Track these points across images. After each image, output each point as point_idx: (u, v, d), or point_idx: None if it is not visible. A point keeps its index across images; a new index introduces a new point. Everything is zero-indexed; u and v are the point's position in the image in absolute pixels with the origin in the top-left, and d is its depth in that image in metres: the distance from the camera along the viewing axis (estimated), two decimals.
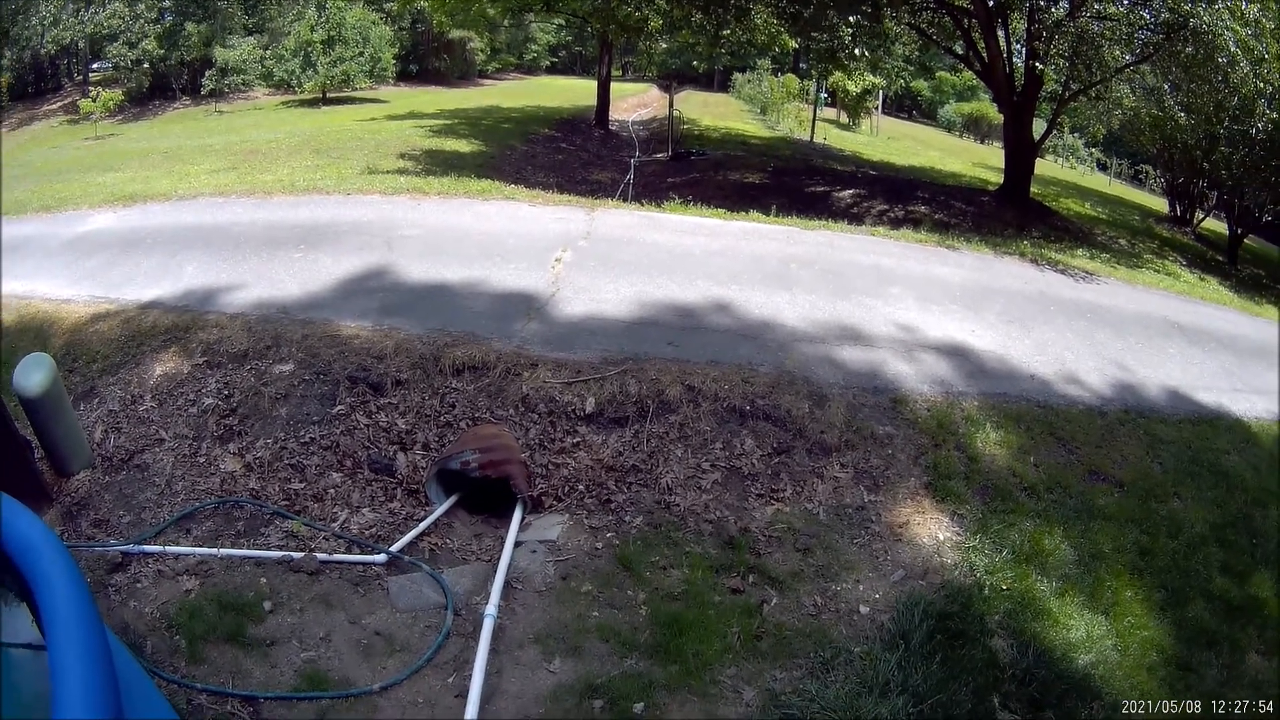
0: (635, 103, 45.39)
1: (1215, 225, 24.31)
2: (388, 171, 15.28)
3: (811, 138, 31.71)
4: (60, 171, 18.27)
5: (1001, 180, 20.21)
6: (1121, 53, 16.34)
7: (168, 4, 38.75)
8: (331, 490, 6.46)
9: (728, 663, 5.01)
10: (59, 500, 6.19)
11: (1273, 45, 13.97)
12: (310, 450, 6.73)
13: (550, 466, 6.72)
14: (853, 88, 36.16)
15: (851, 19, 16.54)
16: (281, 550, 5.63)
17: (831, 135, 33.94)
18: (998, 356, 8.66)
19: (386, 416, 7.03)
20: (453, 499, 6.46)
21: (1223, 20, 13.31)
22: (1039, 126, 19.76)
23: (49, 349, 7.41)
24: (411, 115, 29.13)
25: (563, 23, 39.64)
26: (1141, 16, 15.84)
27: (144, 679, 2.91)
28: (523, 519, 6.24)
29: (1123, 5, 15.76)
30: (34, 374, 5.83)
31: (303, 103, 37.58)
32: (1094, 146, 37.05)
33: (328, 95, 38.04)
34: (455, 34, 46.89)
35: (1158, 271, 15.46)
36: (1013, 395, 7.92)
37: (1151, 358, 9.60)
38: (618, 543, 6.00)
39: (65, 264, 9.59)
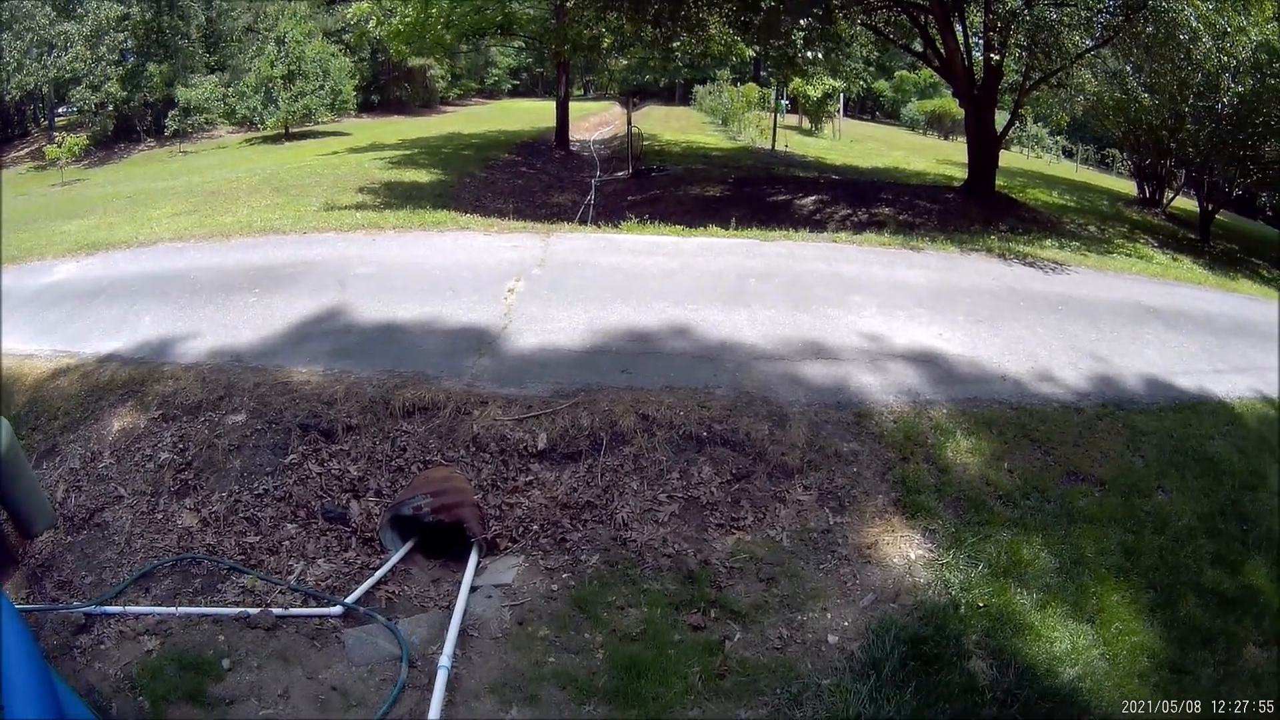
0: (597, 121, 45.51)
1: (1186, 204, 24.37)
2: (345, 207, 15.10)
3: (773, 146, 31.64)
4: (26, 220, 18.09)
5: (966, 176, 20.12)
6: (1081, 38, 16.30)
7: (129, 45, 38.66)
8: (286, 542, 6.36)
9: (689, 704, 4.88)
10: (24, 562, 6.19)
11: (1235, 18, 13.96)
12: (264, 502, 6.62)
13: (504, 507, 6.54)
14: (813, 93, 36.30)
15: (803, 22, 16.38)
16: (238, 607, 5.60)
17: (794, 142, 33.92)
18: (967, 359, 8.50)
19: (338, 464, 6.88)
20: (407, 546, 6.35)
21: None
22: (1002, 119, 19.67)
23: (13, 406, 7.50)
24: (373, 147, 29.08)
25: (522, 45, 39.62)
26: (1100, 0, 15.80)
27: None
28: (478, 563, 6.14)
29: None
30: None
31: (266, 139, 37.47)
32: (1059, 135, 37.28)
33: (290, 130, 37.94)
34: (415, 62, 46.74)
35: (1129, 255, 15.44)
36: (984, 399, 7.75)
37: (1127, 346, 9.50)
38: (574, 583, 5.86)
39: (29, 317, 9.47)
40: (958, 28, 17.26)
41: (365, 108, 48.15)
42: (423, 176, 21.13)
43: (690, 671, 5.05)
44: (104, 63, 36.65)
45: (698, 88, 51.60)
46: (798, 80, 30.21)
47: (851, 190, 20.34)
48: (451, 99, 62.02)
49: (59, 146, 32.55)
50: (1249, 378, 9.20)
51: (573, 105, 33.13)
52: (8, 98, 39.08)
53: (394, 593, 5.92)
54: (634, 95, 44.51)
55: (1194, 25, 13.50)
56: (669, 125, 41.95)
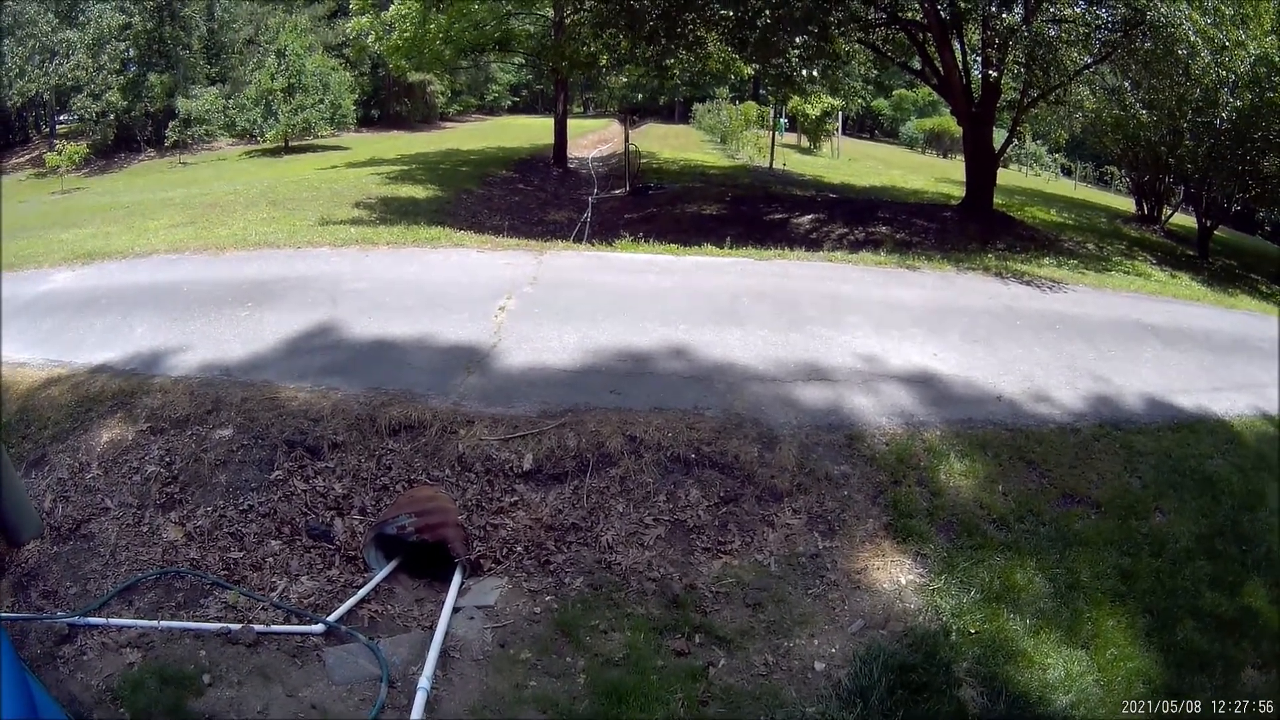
0: (596, 139, 45.63)
1: (1184, 220, 24.42)
2: (341, 222, 15.12)
3: (771, 164, 31.77)
4: (25, 227, 18.25)
5: (964, 194, 20.10)
6: (1080, 54, 16.32)
7: (131, 55, 38.87)
8: (270, 558, 6.34)
9: None
10: (10, 571, 6.20)
11: (1233, 32, 13.96)
12: (249, 518, 6.60)
13: (488, 528, 6.47)
14: (811, 111, 36.33)
15: (799, 40, 16.38)
16: (220, 622, 5.59)
17: (792, 160, 34.07)
18: (962, 380, 8.42)
19: (324, 481, 6.83)
20: (391, 565, 6.32)
21: (1181, 11, 13.29)
22: (1000, 137, 19.68)
23: (2, 415, 7.48)
24: (371, 162, 29.24)
25: (522, 62, 39.78)
26: (1099, 16, 15.82)
27: None
28: (462, 583, 6.11)
29: (1079, 6, 15.72)
30: None
31: (265, 152, 37.68)
32: (1057, 152, 37.43)
33: (290, 144, 38.15)
34: (415, 77, 46.99)
35: (1127, 273, 15.40)
36: (979, 420, 7.66)
37: (1125, 365, 9.41)
38: (557, 606, 5.79)
39: (24, 326, 9.46)
40: (956, 45, 17.27)
41: (365, 122, 48.47)
42: (419, 192, 21.21)
43: (673, 698, 4.97)
44: (105, 71, 37.05)
45: (696, 106, 51.81)
46: (796, 99, 30.26)
47: (848, 209, 20.37)
48: (451, 114, 62.38)
49: (59, 154, 32.85)
50: (1248, 395, 9.12)
51: (572, 122, 33.27)
52: (9, 104, 39.37)
53: (377, 612, 5.88)
54: (632, 113, 44.73)
55: (1192, 40, 13.50)
56: (667, 143, 42.12)
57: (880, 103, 57.88)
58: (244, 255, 11.98)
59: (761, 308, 9.79)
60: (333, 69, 40.51)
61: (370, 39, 26.31)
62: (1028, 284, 12.35)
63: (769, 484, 6.62)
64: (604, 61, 25.35)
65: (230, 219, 16.26)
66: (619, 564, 6.10)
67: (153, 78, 37.93)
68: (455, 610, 5.80)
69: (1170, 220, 24.50)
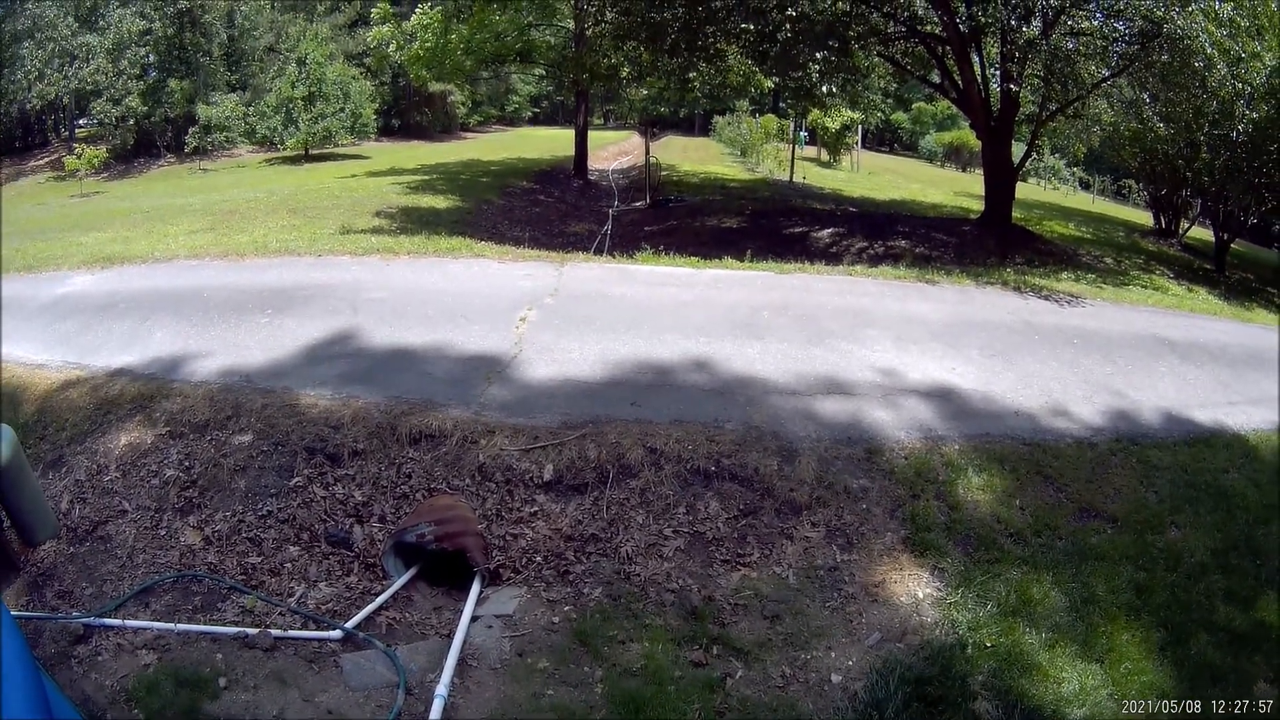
0: (616, 151, 45.60)
1: (1202, 234, 24.32)
2: (361, 231, 15.20)
3: (791, 178, 31.70)
4: (44, 230, 18.32)
5: (983, 208, 20.07)
6: (1098, 67, 16.31)
7: (151, 60, 39.10)
8: (289, 564, 6.37)
9: None
10: (26, 570, 6.23)
11: (1249, 44, 13.94)
12: (268, 523, 6.63)
13: (507, 537, 6.48)
14: (831, 124, 36.34)
15: (819, 55, 16.40)
16: (237, 626, 5.61)
17: (812, 174, 33.97)
18: (981, 394, 8.40)
19: (343, 488, 6.86)
20: (409, 573, 6.31)
21: (1198, 23, 13.26)
22: (1019, 150, 19.66)
23: (21, 415, 7.56)
24: (392, 171, 29.26)
25: (543, 73, 39.92)
26: (1116, 29, 15.80)
27: None
28: (480, 592, 6.09)
29: (1096, 19, 15.69)
30: None
31: (285, 160, 37.77)
32: (1075, 166, 37.27)
33: (310, 152, 38.29)
34: (436, 88, 47.17)
35: (1145, 287, 15.34)
36: (996, 435, 7.64)
37: (1142, 379, 9.38)
38: (575, 616, 5.79)
39: (42, 327, 9.57)
40: (975, 58, 17.27)
41: (385, 132, 48.62)
42: (440, 202, 21.25)
43: (690, 709, 4.97)
44: (125, 76, 37.21)
45: (716, 118, 51.58)
46: (816, 112, 30.25)
47: (868, 223, 20.37)
48: (472, 125, 62.40)
49: (78, 158, 32.92)
50: (1264, 409, 9.06)
51: (592, 134, 33.28)
52: (29, 106, 39.57)
53: (395, 619, 5.88)
54: (653, 125, 44.74)
55: (1209, 52, 13.49)
56: (687, 156, 42.06)
57: (899, 116, 57.75)
58: (264, 262, 12.08)
59: (781, 321, 9.80)
60: (353, 78, 40.70)
61: (391, 48, 26.47)
62: (1046, 298, 12.32)
63: (788, 497, 6.61)
64: (625, 73, 25.36)
65: (250, 226, 16.34)
66: (638, 575, 6.09)
67: (173, 83, 38.14)
68: (473, 619, 5.79)
69: (1188, 234, 24.41)
